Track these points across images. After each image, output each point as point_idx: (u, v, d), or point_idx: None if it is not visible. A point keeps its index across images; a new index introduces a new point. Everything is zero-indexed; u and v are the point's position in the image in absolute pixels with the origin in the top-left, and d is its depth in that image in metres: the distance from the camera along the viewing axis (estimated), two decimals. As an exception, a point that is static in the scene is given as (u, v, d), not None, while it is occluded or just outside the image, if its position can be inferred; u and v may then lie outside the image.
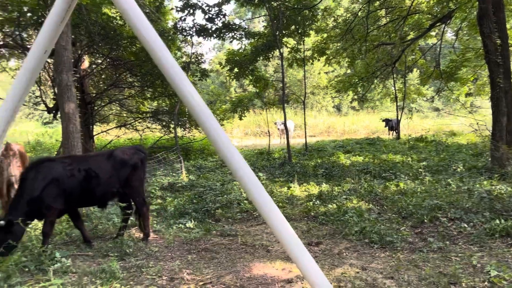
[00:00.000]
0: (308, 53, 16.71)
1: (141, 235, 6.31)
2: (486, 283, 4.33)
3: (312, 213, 7.41)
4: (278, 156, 14.79)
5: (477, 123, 11.94)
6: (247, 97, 16.47)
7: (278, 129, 22.28)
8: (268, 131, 17.70)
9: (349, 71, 22.08)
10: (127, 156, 6.17)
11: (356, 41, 15.82)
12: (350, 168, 11.30)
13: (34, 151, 19.16)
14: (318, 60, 16.75)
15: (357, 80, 18.19)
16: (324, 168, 11.04)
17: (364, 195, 8.31)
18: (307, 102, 36.18)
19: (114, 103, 16.71)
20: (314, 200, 8.00)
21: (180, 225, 6.87)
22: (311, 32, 15.86)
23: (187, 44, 15.91)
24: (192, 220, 7.06)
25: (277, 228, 3.39)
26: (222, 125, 16.58)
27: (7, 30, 15.10)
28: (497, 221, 5.79)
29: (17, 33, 14.88)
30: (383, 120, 23.55)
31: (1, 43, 16.44)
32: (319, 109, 38.59)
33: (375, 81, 19.67)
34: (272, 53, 15.05)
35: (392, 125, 22.66)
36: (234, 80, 16.37)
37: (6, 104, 3.34)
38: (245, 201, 8.03)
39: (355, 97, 23.72)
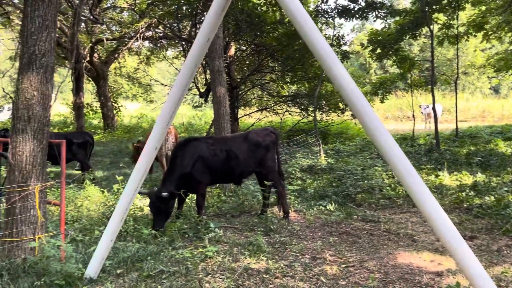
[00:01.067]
0: (462, 29, 15.04)
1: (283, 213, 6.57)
2: None
3: (465, 205, 6.77)
4: (424, 142, 13.80)
5: None
6: (390, 79, 15.64)
7: (423, 113, 20.72)
8: (413, 115, 16.59)
9: (511, 47, 19.21)
10: (260, 138, 6.47)
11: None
12: None
13: (187, 132, 21.33)
14: (475, 36, 14.94)
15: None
16: (480, 157, 9.93)
17: (532, 188, 7.27)
18: (459, 84, 32.80)
19: (256, 88, 17.53)
20: (467, 190, 7.28)
21: (321, 207, 6.95)
22: (466, 5, 14.21)
23: (328, 26, 15.74)
24: (332, 203, 7.07)
25: (432, 217, 3.19)
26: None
27: (166, 23, 16.92)
28: None
29: (175, 25, 16.58)
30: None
31: (161, 34, 18.55)
32: (472, 91, 34.67)
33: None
34: (419, 31, 13.96)
35: None
36: (376, 61, 15.67)
37: (176, 87, 3.77)
38: (387, 188, 7.73)
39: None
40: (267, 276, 4.29)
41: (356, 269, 4.51)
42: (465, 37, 14.73)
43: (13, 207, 4.36)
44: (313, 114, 14.45)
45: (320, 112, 16.50)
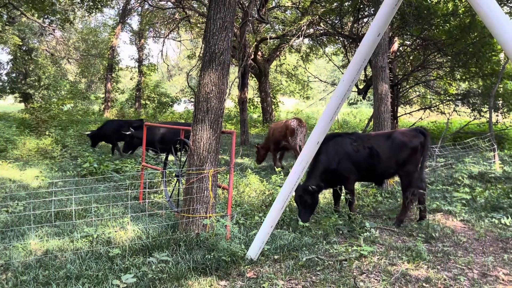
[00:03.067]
0: None
1: (447, 222, 6.03)
2: None
3: None
4: None
5: None
6: None
7: None
8: None
9: None
10: (406, 138, 5.96)
11: None
12: None
13: (341, 129, 21.18)
14: None
15: None
16: None
17: None
18: None
19: (419, 85, 16.40)
20: None
21: (493, 219, 6.16)
22: None
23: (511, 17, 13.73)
24: (509, 217, 6.20)
25: None
26: None
27: (328, 20, 17.01)
28: None
29: (336, 21, 16.57)
30: None
31: (322, 31, 18.73)
32: None
33: None
34: None
35: None
36: None
37: (343, 83, 3.78)
38: None
39: None
40: (427, 285, 4.01)
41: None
42: None
43: (191, 187, 4.98)
44: (487, 115, 12.83)
45: (496, 114, 14.56)
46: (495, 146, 10.38)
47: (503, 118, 14.78)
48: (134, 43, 33.64)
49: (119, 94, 33.60)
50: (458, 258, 4.71)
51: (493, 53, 13.19)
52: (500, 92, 13.56)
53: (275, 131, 10.54)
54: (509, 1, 12.68)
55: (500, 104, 14.19)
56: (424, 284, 4.03)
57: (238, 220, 5.67)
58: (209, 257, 4.31)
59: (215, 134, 5.04)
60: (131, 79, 34.60)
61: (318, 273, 4.26)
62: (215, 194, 5.10)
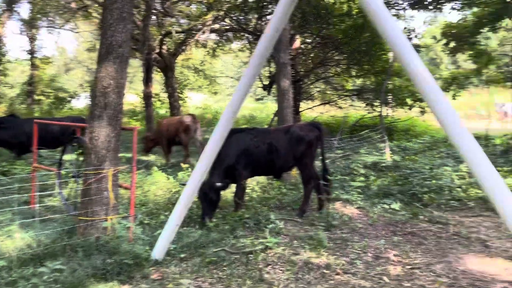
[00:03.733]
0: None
1: (345, 210, 6.44)
2: None
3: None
4: (501, 142, 12.85)
5: None
6: (464, 75, 14.73)
7: (498, 111, 19.33)
8: (488, 114, 15.52)
9: None
10: (303, 132, 6.25)
11: None
12: None
13: (248, 124, 21.56)
14: None
15: None
16: None
17: None
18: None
19: (320, 81, 17.29)
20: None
21: (385, 205, 6.72)
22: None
23: (398, 18, 15.09)
24: (398, 202, 6.81)
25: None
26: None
27: (233, 16, 17.12)
28: None
29: (241, 17, 16.74)
30: None
31: (228, 27, 18.82)
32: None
33: None
34: (500, 23, 12.97)
35: None
36: (449, 55, 14.83)
37: (245, 78, 3.81)
38: (458, 189, 7.30)
39: None
40: (328, 271, 4.23)
41: (422, 272, 4.32)
42: (553, 29, 13.47)
43: (88, 189, 4.66)
44: (378, 109, 13.99)
45: (387, 108, 15.94)
46: (386, 138, 11.35)
47: (392, 112, 16.23)
48: (24, 33, 30.65)
49: (8, 88, 30.41)
50: (355, 243, 5.04)
51: (382, 52, 14.38)
52: (389, 88, 14.83)
53: (169, 127, 10.58)
54: (395, 4, 13.90)
55: (390, 99, 15.54)
56: (324, 271, 4.24)
57: (142, 220, 5.46)
58: (109, 261, 4.08)
59: (115, 131, 4.77)
60: (22, 72, 31.53)
61: (225, 268, 4.27)
62: (116, 195, 4.83)
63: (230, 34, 20.53)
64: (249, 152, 6.01)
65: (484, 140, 13.22)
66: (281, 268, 4.28)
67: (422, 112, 15.60)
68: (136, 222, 5.01)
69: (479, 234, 5.52)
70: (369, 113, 16.18)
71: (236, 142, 5.96)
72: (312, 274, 4.18)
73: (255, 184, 7.58)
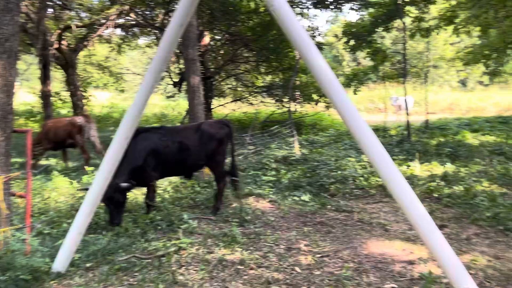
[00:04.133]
0: (433, 23, 15.30)
1: (257, 204, 6.53)
2: None
3: (435, 195, 6.91)
4: (396, 133, 14.04)
5: None
6: (363, 71, 15.79)
7: (393, 105, 21.05)
8: (384, 107, 16.84)
9: (479, 41, 19.72)
10: (213, 130, 6.20)
11: (491, 6, 13.97)
12: (479, 148, 10.25)
13: (160, 122, 20.96)
14: (445, 29, 15.24)
15: (489, 51, 16.18)
16: (449, 148, 10.16)
17: (497, 178, 7.50)
18: (428, 76, 33.54)
19: (230, 78, 17.38)
20: (437, 180, 7.44)
21: (295, 197, 6.95)
22: (437, -2, 14.46)
23: (302, 17, 15.72)
24: (307, 194, 7.09)
25: (407, 207, 3.21)
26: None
27: (138, 11, 16.48)
28: None
29: (147, 12, 16.17)
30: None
31: (133, 22, 18.07)
32: (441, 84, 35.51)
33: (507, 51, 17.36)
34: (392, 23, 14.12)
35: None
36: (350, 53, 15.80)
37: (149, 74, 3.64)
38: (360, 178, 7.80)
39: (486, 70, 21.23)
40: (242, 267, 4.25)
41: (331, 259, 4.53)
42: (436, 30, 14.99)
43: (-26, 199, 4.15)
44: (287, 105, 14.45)
45: (295, 103, 16.52)
46: (295, 132, 11.76)
47: (300, 107, 16.88)
48: None
49: None
50: (268, 236, 5.14)
51: (289, 49, 14.86)
52: (296, 84, 15.39)
53: (58, 130, 9.66)
54: (299, 3, 14.44)
55: (297, 95, 16.13)
56: (239, 267, 4.26)
57: (41, 230, 5.01)
58: (3, 278, 3.67)
59: (4, 134, 4.29)
60: None
61: (136, 274, 4.08)
62: (8, 205, 4.36)
63: (136, 29, 19.75)
64: (157, 152, 5.77)
65: (382, 131, 14.32)
66: (195, 269, 4.21)
67: (327, 107, 16.43)
68: (33, 233, 4.57)
69: (379, 219, 5.95)
70: (278, 109, 16.64)
71: (143, 142, 5.69)
72: (226, 271, 4.17)
73: (167, 184, 7.38)
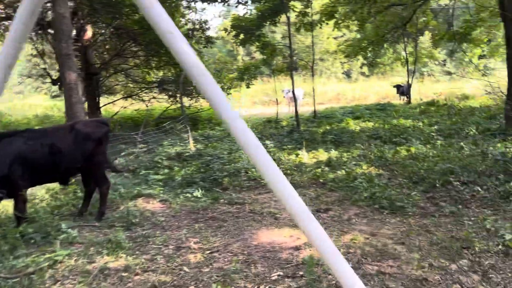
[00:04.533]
0: (316, 17, 16.17)
1: (147, 205, 6.26)
2: (500, 246, 4.21)
3: (321, 180, 7.29)
4: (286, 124, 14.61)
5: (491, 85, 11.58)
6: (254, 65, 16.12)
7: (285, 97, 21.92)
8: (276, 100, 17.42)
9: (358, 35, 21.43)
10: (90, 129, 5.73)
11: (365, 3, 15.21)
12: (359, 134, 11.10)
13: (42, 125, 19.17)
14: (327, 24, 16.20)
15: (366, 44, 17.63)
16: (333, 135, 10.85)
17: (374, 160, 8.16)
18: (316, 69, 35.58)
19: (119, 74, 16.51)
20: (322, 167, 7.87)
21: (187, 194, 6.80)
22: (319, -6, 15.31)
23: (191, 10, 15.48)
24: (200, 189, 6.98)
25: (283, 196, 3.27)
26: (228, 94, 16.35)
27: (7, 1, 14.79)
28: (512, 184, 5.62)
29: (17, 4, 14.56)
30: (395, 86, 23.01)
31: (4, 15, 16.18)
32: (328, 76, 37.91)
33: (385, 45, 19.13)
34: (278, 17, 14.58)
35: (403, 90, 22.16)
36: (240, 46, 16.01)
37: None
38: (252, 169, 7.92)
39: (365, 62, 23.17)
40: (126, 274, 4.00)
41: (221, 254, 4.49)
42: (319, 24, 15.86)
43: None
44: (180, 101, 14.15)
45: (189, 98, 16.27)
46: (188, 128, 11.57)
47: (195, 102, 16.69)
48: None
49: None
50: (156, 238, 4.93)
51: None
52: (189, 79, 15.12)
53: None
54: None
55: (190, 90, 15.90)
56: (123, 274, 4.00)
57: None
58: None
59: None
60: None
61: (1, 297, 3.60)
62: None
63: (7, 23, 17.73)
64: (23, 158, 5.12)
65: (274, 123, 14.81)
66: (72, 282, 3.85)
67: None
68: None
69: (270, 209, 6.08)
70: (172, 104, 16.26)
71: (6, 148, 5.04)
72: (109, 280, 3.89)
73: (44, 192, 6.71)
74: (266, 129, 13.64)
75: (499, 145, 7.87)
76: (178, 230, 5.29)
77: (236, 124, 3.28)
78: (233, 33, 14.82)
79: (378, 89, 30.55)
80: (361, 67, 38.28)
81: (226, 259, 4.35)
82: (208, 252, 4.53)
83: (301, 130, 12.38)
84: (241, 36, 14.64)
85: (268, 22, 14.54)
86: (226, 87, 16.49)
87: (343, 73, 39.47)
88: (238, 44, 15.15)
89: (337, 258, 3.37)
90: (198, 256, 4.42)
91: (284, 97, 21.94)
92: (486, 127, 10.24)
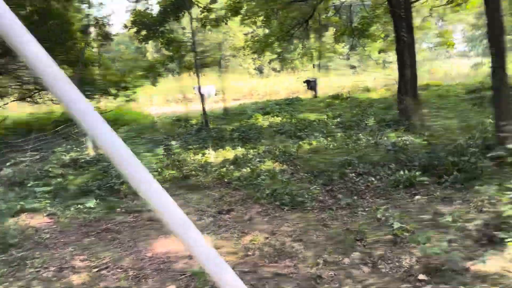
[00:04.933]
0: (222, 13, 15.99)
1: (31, 221, 5.62)
2: (389, 236, 4.35)
3: (226, 179, 7.13)
4: (196, 122, 14.29)
5: (388, 78, 12.32)
6: (160, 62, 15.53)
7: (196, 94, 21.54)
8: (184, 96, 17.00)
9: (267, 31, 21.71)
10: None
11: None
12: (267, 130, 11.17)
13: None
14: (232, 19, 16.12)
15: (273, 39, 17.85)
16: (241, 132, 10.77)
17: (279, 156, 8.20)
18: (229, 65, 35.60)
19: (6, 75, 14.92)
20: (228, 165, 7.72)
21: (79, 205, 6.22)
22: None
23: (87, 5, 14.43)
24: (95, 199, 6.44)
25: (160, 206, 3.01)
26: (134, 92, 15.59)
27: None
28: (402, 172, 5.92)
29: None
30: (305, 81, 23.67)
31: None
32: (241, 72, 38.09)
33: (295, 41, 19.60)
34: (182, 13, 14.17)
35: (312, 84, 22.89)
36: (144, 43, 15.31)
37: None
38: (155, 172, 7.53)
39: (273, 57, 23.61)
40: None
41: (110, 271, 4.11)
42: (225, 20, 15.71)
43: None
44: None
45: (89, 99, 15.19)
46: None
47: (97, 103, 15.64)
48: None
49: None
50: (35, 260, 4.38)
51: (75, 40, 13.51)
52: (87, 78, 14.12)
53: None
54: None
55: (90, 90, 14.83)
56: (-12, 308, 3.46)
57: None
58: None
59: None
60: None
61: None
62: None
63: None
64: None
65: (183, 121, 14.41)
66: None
67: (128, 101, 15.68)
68: None
69: (170, 214, 5.76)
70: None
71: None
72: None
73: None
74: (175, 128, 13.20)
75: (392, 134, 8.33)
76: (64, 247, 4.78)
77: (92, 122, 2.91)
78: (134, 29, 14.11)
79: (288, 84, 31.35)
80: (269, 63, 39.04)
81: (115, 277, 3.98)
82: (96, 270, 4.13)
83: (210, 128, 12.16)
84: (143, 32, 13.99)
85: (171, 18, 14.05)
86: (131, 85, 15.66)
87: (255, 69, 39.95)
88: (140, 40, 14.46)
89: (220, 266, 3.15)
90: (83, 276, 4.00)
91: (195, 94, 21.54)
92: (383, 118, 10.84)
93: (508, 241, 3.67)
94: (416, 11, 18.56)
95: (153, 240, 4.90)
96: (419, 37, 27.05)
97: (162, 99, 29.39)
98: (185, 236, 3.03)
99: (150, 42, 17.72)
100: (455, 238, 4.01)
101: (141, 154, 8.97)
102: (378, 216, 4.87)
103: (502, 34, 6.46)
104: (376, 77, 22.15)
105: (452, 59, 41.46)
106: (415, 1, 11.89)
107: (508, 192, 4.88)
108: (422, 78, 15.91)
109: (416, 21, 18.79)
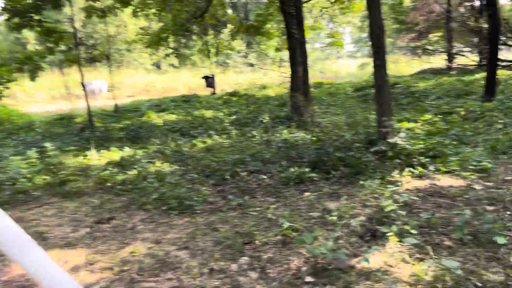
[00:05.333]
0: (109, 3, 14.83)
1: None
2: (278, 236, 4.19)
3: (109, 184, 6.46)
4: (81, 120, 13.07)
5: (283, 76, 12.48)
6: (37, 54, 13.88)
7: (84, 90, 19.91)
8: (71, 93, 15.53)
9: (162, 24, 20.83)
10: None
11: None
12: (160, 128, 10.57)
13: None
14: (122, 11, 15.05)
15: (167, 34, 17.12)
16: (131, 130, 10.03)
17: (170, 155, 7.72)
18: (123, 60, 33.72)
19: None
20: (111, 168, 7.03)
21: None
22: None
23: None
24: None
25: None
26: (7, 88, 13.78)
27: None
28: (292, 169, 5.86)
29: None
30: (203, 77, 23.29)
31: None
32: (137, 67, 36.30)
33: (194, 37, 19.04)
34: (62, 0, 12.78)
35: (210, 81, 22.61)
36: (14, 31, 13.59)
37: None
38: (23, 179, 6.55)
39: (169, 52, 22.81)
40: None
41: None
42: (112, 11, 14.58)
43: None
44: None
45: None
46: None
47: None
48: None
49: None
50: None
51: None
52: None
53: None
54: None
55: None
56: None
57: None
58: None
59: None
60: None
61: None
62: None
63: None
64: None
65: (67, 120, 13.10)
66: None
67: (-1, 98, 13.82)
68: None
69: (39, 227, 5.01)
70: None
71: None
72: None
73: None
74: (55, 128, 11.88)
75: (285, 131, 8.35)
76: None
77: None
78: (5, 16, 12.40)
79: (187, 80, 30.65)
80: (164, 58, 37.82)
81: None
82: None
83: (96, 126, 11.16)
84: (15, 20, 12.34)
85: (49, 5, 12.59)
86: (4, 80, 13.79)
87: (152, 64, 38.38)
88: (12, 28, 12.77)
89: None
90: None
91: (84, 89, 19.87)
92: (277, 114, 10.91)
93: (390, 235, 3.72)
94: (309, 11, 19.30)
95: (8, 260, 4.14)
96: (312, 37, 28.36)
97: (47, 96, 26.73)
98: (24, 259, 2.42)
99: (29, 32, 15.87)
100: (341, 235, 3.97)
101: (7, 158, 7.80)
102: (269, 215, 4.71)
103: (382, 34, 6.75)
104: (273, 74, 22.63)
105: (342, 59, 44.43)
106: (306, 1, 12.22)
107: (390, 186, 5.06)
108: (315, 76, 16.58)
109: (309, 21, 19.54)
